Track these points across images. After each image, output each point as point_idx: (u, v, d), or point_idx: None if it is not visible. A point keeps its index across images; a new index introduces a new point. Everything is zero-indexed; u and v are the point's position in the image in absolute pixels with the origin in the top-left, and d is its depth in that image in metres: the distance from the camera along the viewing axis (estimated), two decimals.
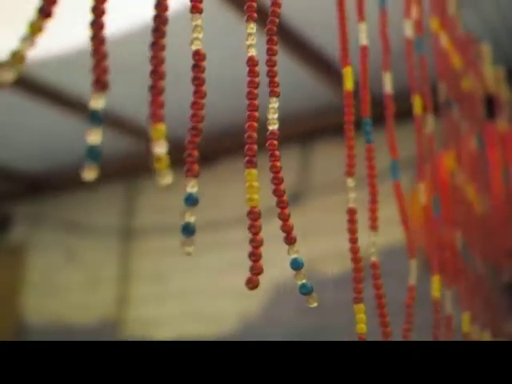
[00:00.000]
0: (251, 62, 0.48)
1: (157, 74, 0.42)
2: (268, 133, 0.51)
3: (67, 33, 2.37)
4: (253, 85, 0.47)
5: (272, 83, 0.50)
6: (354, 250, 0.59)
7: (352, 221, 0.60)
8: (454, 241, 1.06)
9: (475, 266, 1.15)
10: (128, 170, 3.57)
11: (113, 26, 2.40)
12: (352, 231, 0.60)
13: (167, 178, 0.40)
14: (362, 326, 0.56)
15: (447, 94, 1.19)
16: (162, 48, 0.43)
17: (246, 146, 0.46)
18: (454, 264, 0.97)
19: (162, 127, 0.41)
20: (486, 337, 1.08)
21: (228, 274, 3.12)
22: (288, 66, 2.65)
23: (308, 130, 3.16)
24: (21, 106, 2.98)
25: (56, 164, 3.70)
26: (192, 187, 0.42)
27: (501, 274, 1.49)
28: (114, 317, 3.54)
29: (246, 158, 0.45)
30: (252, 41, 0.48)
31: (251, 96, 0.47)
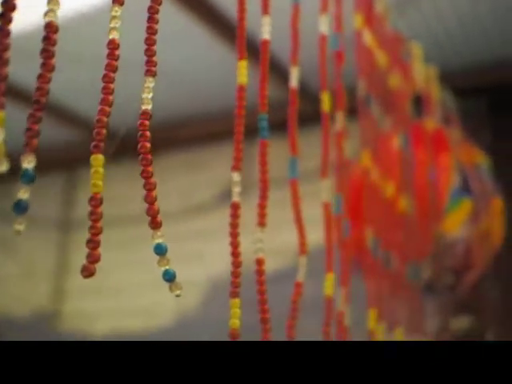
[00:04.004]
0: (112, 45, 0.46)
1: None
2: (140, 112, 0.49)
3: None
4: (110, 68, 0.46)
5: (149, 62, 0.49)
6: (234, 245, 0.58)
7: (234, 216, 0.59)
8: (362, 238, 1.06)
9: (389, 263, 1.15)
10: (69, 160, 3.51)
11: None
12: (233, 226, 0.59)
13: (3, 166, 0.39)
14: (235, 321, 0.56)
15: (367, 91, 1.19)
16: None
17: (95, 130, 0.44)
18: (356, 262, 0.97)
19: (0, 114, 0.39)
20: (397, 335, 1.08)
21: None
22: (231, 63, 2.64)
23: (252, 124, 3.14)
24: None
25: None
26: (29, 163, 0.40)
27: (421, 273, 1.50)
28: (51, 309, 3.48)
29: (94, 143, 0.44)
30: (116, 24, 0.47)
31: (107, 79, 0.45)
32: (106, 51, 0.46)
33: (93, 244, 0.42)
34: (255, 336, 0.65)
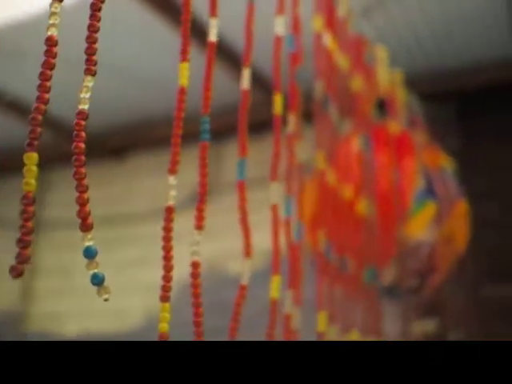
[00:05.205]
0: (50, 42, 0.45)
1: None
2: (77, 112, 0.48)
3: None
4: (48, 66, 0.45)
5: (89, 61, 0.48)
6: (167, 249, 0.58)
7: (168, 219, 0.59)
8: (315, 240, 1.06)
9: (342, 266, 1.15)
10: (39, 161, 3.48)
11: (16, 10, 2.32)
12: (167, 230, 0.59)
13: None
14: (164, 325, 0.55)
15: (325, 93, 1.18)
16: None
17: (30, 128, 0.43)
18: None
19: None
20: (352, 338, 1.08)
21: (136, 269, 3.08)
22: (201, 64, 2.63)
23: (221, 127, 3.13)
24: None
25: None
26: None
27: (380, 277, 1.49)
28: (18, 311, 3.45)
29: (28, 141, 0.43)
30: (55, 20, 0.46)
31: (44, 77, 0.44)
32: (45, 48, 0.45)
33: (23, 243, 0.41)
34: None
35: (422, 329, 2.23)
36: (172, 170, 0.62)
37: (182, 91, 0.66)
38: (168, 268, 0.57)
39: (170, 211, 0.59)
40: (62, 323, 3.32)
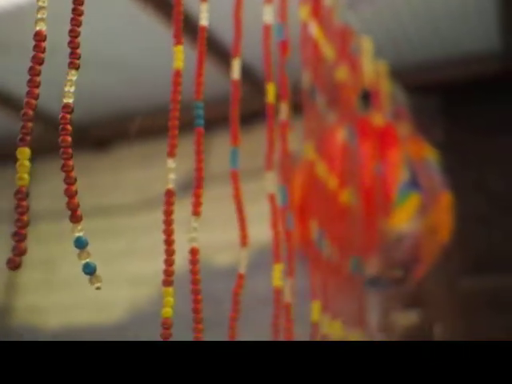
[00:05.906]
0: (39, 37, 0.45)
1: None
2: (62, 106, 0.48)
3: None
4: (37, 60, 0.45)
5: (73, 55, 0.48)
6: (168, 233, 0.58)
7: (169, 202, 0.59)
8: (307, 230, 1.06)
9: (331, 256, 1.15)
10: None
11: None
12: (167, 213, 0.59)
13: None
14: (168, 309, 0.56)
15: (312, 83, 1.19)
16: None
17: (22, 124, 0.43)
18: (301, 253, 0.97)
19: None
20: (337, 326, 1.09)
21: (121, 261, 3.06)
22: (189, 54, 2.62)
23: (209, 117, 3.11)
24: None
25: None
26: None
27: (365, 267, 1.50)
28: (2, 304, 3.43)
29: (20, 136, 0.43)
30: (42, 15, 0.46)
31: (34, 72, 0.44)
32: (33, 43, 0.45)
33: (18, 237, 0.41)
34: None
35: (405, 321, 2.24)
36: (171, 153, 0.61)
37: (178, 74, 0.67)
38: (170, 252, 0.57)
39: (170, 194, 0.59)
40: (47, 316, 3.30)
